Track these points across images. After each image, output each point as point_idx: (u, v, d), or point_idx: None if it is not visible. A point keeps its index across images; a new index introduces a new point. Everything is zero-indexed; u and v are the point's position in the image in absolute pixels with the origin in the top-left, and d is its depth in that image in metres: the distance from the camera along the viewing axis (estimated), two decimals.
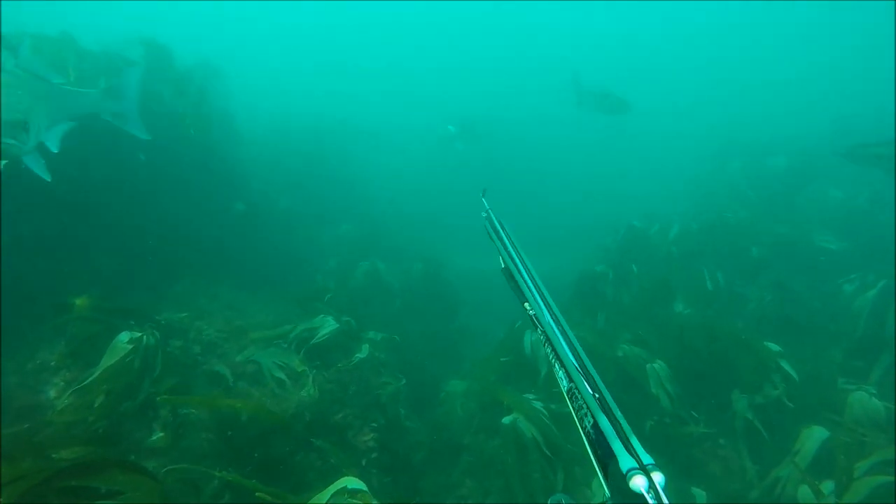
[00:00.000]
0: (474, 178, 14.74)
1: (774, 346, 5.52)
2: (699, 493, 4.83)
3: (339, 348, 6.10)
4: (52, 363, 3.97)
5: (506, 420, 5.03)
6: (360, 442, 5.34)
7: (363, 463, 5.15)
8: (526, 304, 1.37)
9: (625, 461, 1.02)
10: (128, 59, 7.83)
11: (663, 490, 0.98)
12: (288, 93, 16.91)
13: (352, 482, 3.78)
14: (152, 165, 7.33)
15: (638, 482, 0.98)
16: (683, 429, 5.25)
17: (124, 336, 4.04)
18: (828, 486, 4.02)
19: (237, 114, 11.06)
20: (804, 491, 4.09)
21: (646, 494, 0.97)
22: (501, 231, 1.56)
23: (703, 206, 10.18)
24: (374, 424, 5.44)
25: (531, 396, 5.42)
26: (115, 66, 7.54)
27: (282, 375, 5.47)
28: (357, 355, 6.03)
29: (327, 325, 6.33)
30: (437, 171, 14.73)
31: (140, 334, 4.13)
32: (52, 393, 3.74)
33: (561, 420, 5.12)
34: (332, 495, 3.54)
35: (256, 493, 3.38)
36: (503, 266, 1.47)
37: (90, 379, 3.65)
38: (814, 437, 4.49)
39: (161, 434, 3.78)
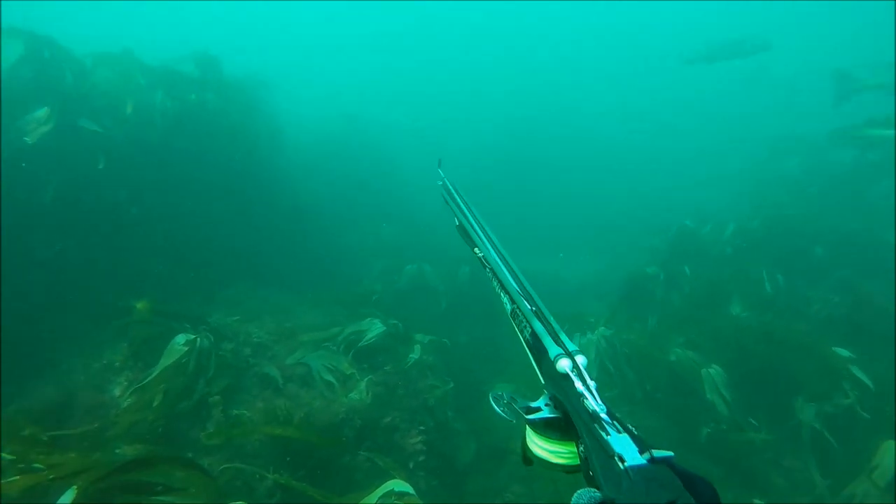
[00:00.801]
0: (518, 178, 14.64)
1: (844, 352, 5.19)
2: None
3: (386, 351, 6.14)
4: (117, 363, 4.16)
5: None
6: (407, 444, 5.33)
7: (410, 465, 5.14)
8: (476, 249, 1.56)
9: (553, 350, 1.12)
10: (182, 73, 8.17)
11: (585, 369, 1.07)
12: (331, 98, 17.25)
13: (399, 485, 3.79)
14: (204, 175, 7.62)
15: (563, 364, 1.08)
16: (743, 437, 4.99)
17: (180, 338, 4.19)
18: None
19: (283, 121, 11.38)
20: None
21: (570, 373, 1.06)
22: (456, 195, 1.74)
23: (759, 205, 9.71)
24: (421, 427, 5.43)
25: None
26: (172, 80, 7.91)
27: (331, 378, 5.54)
28: (410, 356, 6.07)
29: (375, 328, 6.39)
30: (480, 172, 14.69)
31: (194, 337, 4.26)
32: (117, 391, 3.91)
33: None
34: (380, 497, 3.55)
35: (307, 493, 3.43)
36: (457, 223, 1.66)
37: (148, 379, 3.80)
38: (893, 451, 4.18)
39: (215, 435, 3.88)
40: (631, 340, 5.74)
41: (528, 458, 1.14)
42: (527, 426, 1.13)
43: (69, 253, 5.55)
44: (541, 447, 1.10)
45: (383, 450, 5.08)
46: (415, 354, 6.11)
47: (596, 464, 0.90)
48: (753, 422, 5.14)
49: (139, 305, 4.75)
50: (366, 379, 5.64)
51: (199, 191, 7.72)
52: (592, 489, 0.88)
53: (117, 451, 2.94)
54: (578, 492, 0.88)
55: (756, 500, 4.67)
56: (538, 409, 1.13)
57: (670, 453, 0.87)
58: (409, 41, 35.03)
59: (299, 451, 4.59)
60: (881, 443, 4.33)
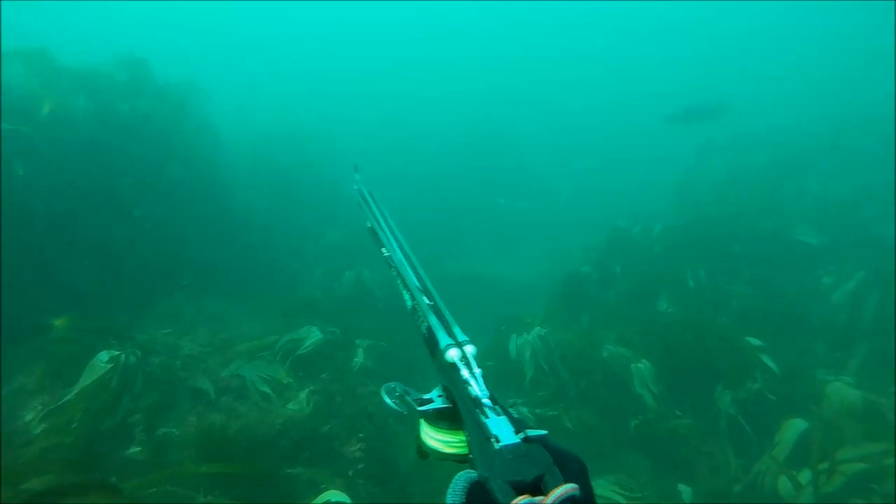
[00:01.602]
0: (458, 183, 14.82)
1: (755, 341, 5.58)
2: (685, 490, 4.87)
3: (325, 358, 6.11)
4: (30, 386, 3.95)
5: None
6: (347, 452, 5.32)
7: (350, 473, 5.14)
8: (383, 249, 1.61)
9: (443, 341, 1.14)
10: (108, 76, 7.82)
11: (474, 359, 1.10)
12: (270, 105, 16.87)
13: (335, 495, 3.79)
14: (133, 181, 7.32)
15: (452, 354, 1.11)
16: (668, 427, 5.28)
17: (103, 355, 4.03)
18: (804, 476, 4.07)
19: (219, 127, 11.07)
20: (784, 482, 4.14)
21: (458, 362, 1.10)
22: (370, 199, 1.81)
23: (685, 204, 10.28)
24: (361, 434, 5.43)
25: (517, 401, 5.45)
26: (96, 83, 7.55)
27: (267, 389, 5.46)
28: (350, 363, 6.04)
29: (312, 336, 6.33)
30: (419, 177, 14.79)
31: (119, 353, 4.11)
32: (29, 416, 3.71)
33: (545, 423, 5.15)
34: None
35: None
36: (369, 225, 1.73)
37: (64, 400, 3.63)
38: (793, 429, 4.55)
39: (141, 454, 3.76)
40: (565, 339, 5.95)
41: (423, 450, 1.16)
42: (421, 419, 1.16)
43: None
44: (433, 438, 1.13)
45: (322, 460, 5.05)
46: (358, 359, 6.11)
47: (474, 446, 0.96)
48: (678, 413, 5.43)
49: (58, 322, 4.53)
50: (305, 389, 5.60)
51: (128, 199, 7.41)
52: (470, 471, 0.92)
53: (25, 484, 2.78)
54: (457, 474, 0.93)
55: (680, 486, 4.95)
56: (430, 401, 1.16)
57: (544, 432, 0.93)
58: (351, 45, 34.72)
59: (236, 465, 4.50)
60: (784, 421, 4.69)
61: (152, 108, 8.23)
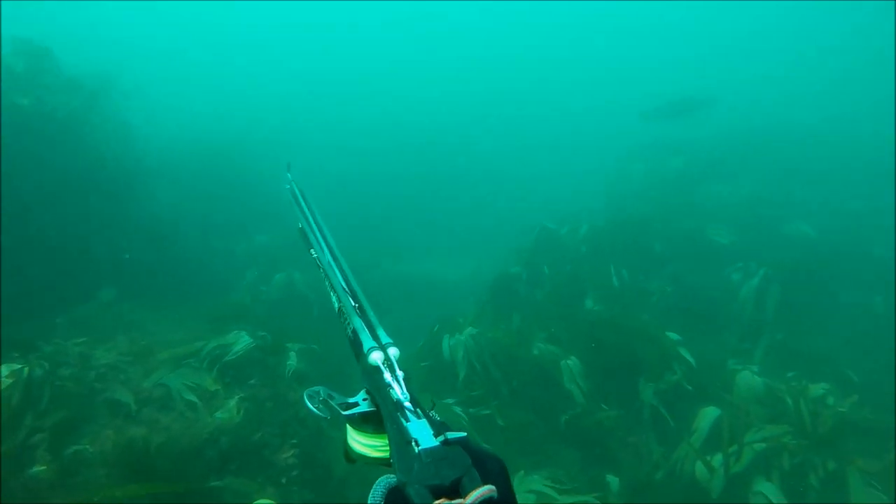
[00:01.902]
0: (389, 185, 14.80)
1: (674, 336, 5.94)
2: (613, 480, 5.10)
3: (254, 364, 5.91)
4: None
5: None
6: (279, 460, 5.18)
7: (283, 481, 5.01)
8: (311, 251, 1.58)
9: (367, 344, 1.14)
10: (5, 65, 7.18)
11: (397, 361, 1.10)
12: (200, 106, 16.15)
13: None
14: (37, 180, 6.77)
15: (375, 357, 1.10)
16: (596, 420, 5.51)
17: (3, 369, 3.71)
18: (717, 459, 4.39)
19: (139, 125, 10.43)
20: (699, 467, 4.45)
21: (381, 365, 1.09)
22: (301, 199, 1.76)
23: (609, 206, 10.78)
24: (293, 441, 5.30)
25: (450, 401, 5.50)
26: None
27: (193, 397, 5.22)
28: (280, 369, 5.87)
29: (241, 341, 6.11)
30: (350, 180, 14.64)
31: (21, 366, 3.79)
32: None
33: (479, 422, 5.24)
34: None
35: None
36: (300, 226, 1.68)
37: None
38: (707, 416, 4.89)
39: (48, 475, 3.48)
40: (497, 338, 6.08)
41: (350, 455, 1.15)
42: (346, 424, 1.14)
43: None
44: (359, 442, 1.11)
45: (253, 469, 4.89)
46: (291, 363, 5.95)
47: (394, 450, 0.94)
48: (605, 407, 5.67)
49: None
50: (235, 397, 5.40)
51: (35, 200, 6.85)
52: (390, 475, 0.92)
53: None
54: (377, 480, 0.93)
55: (609, 476, 5.19)
56: (356, 405, 1.14)
57: (463, 434, 0.92)
58: (289, 42, 33.76)
59: (159, 480, 4.27)
60: (700, 409, 5.04)
61: (57, 102, 7.62)
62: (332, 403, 1.17)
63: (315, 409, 1.17)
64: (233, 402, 5.25)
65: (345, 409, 1.13)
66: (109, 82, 9.77)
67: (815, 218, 9.17)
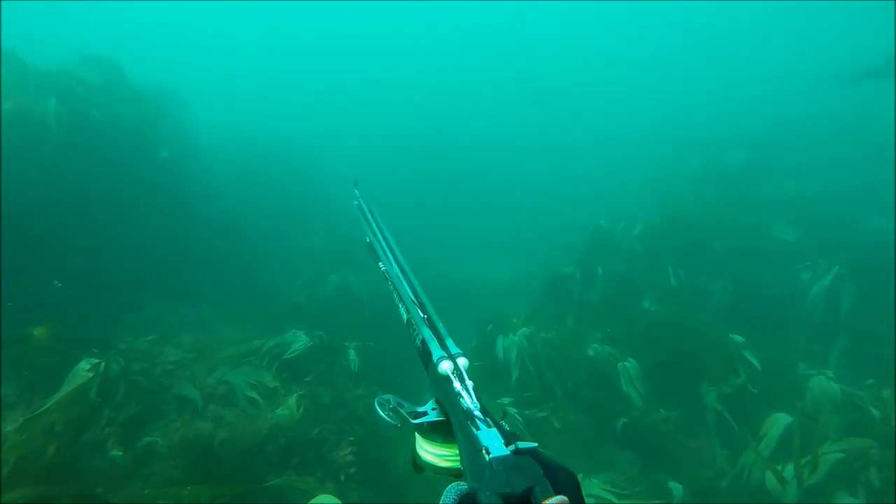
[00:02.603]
0: (441, 188, 14.87)
1: (738, 338, 5.68)
2: (676, 487, 4.93)
3: (311, 362, 6.05)
4: (11, 398, 3.83)
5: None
6: (337, 457, 5.28)
7: (342, 478, 5.10)
8: (380, 264, 1.61)
9: (436, 354, 1.14)
10: (80, 79, 7.64)
11: (466, 371, 1.10)
12: (251, 111, 16.71)
13: (327, 499, 3.73)
14: (108, 187, 7.16)
15: (444, 366, 1.11)
16: (655, 424, 5.34)
17: (84, 364, 3.93)
18: (788, 469, 4.15)
19: (200, 131, 10.91)
20: (769, 476, 4.23)
21: (450, 375, 1.09)
22: (369, 214, 1.81)
23: (665, 204, 10.42)
24: (351, 438, 5.39)
25: (506, 401, 5.46)
26: (68, 86, 7.38)
27: (254, 395, 5.39)
28: (336, 367, 5.99)
29: (299, 340, 6.27)
30: (402, 182, 14.79)
31: (99, 361, 4.01)
32: (8, 427, 3.60)
33: (533, 425, 5.18)
34: None
35: None
36: (368, 241, 1.72)
37: (42, 410, 3.53)
38: (777, 422, 4.64)
39: (123, 464, 3.67)
40: (551, 339, 5.98)
41: (419, 464, 1.16)
42: (416, 433, 1.15)
43: None
44: (428, 451, 1.13)
45: (313, 465, 5.00)
46: (352, 359, 6.07)
47: (465, 458, 0.95)
48: (662, 410, 5.49)
49: (37, 332, 4.40)
50: (294, 394, 5.54)
51: (107, 205, 7.26)
52: (461, 483, 0.93)
53: (3, 499, 2.68)
54: (448, 486, 0.95)
55: (671, 483, 5.02)
56: (425, 414, 1.16)
57: (534, 444, 0.92)
58: (339, 49, 34.53)
59: (222, 475, 4.43)
60: (768, 415, 4.79)
61: (126, 113, 8.06)
62: (402, 412, 1.18)
63: (386, 417, 1.20)
64: (292, 400, 5.39)
65: (414, 418, 1.15)
66: (170, 93, 10.28)
67: (891, 212, 8.57)
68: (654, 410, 5.44)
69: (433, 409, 1.16)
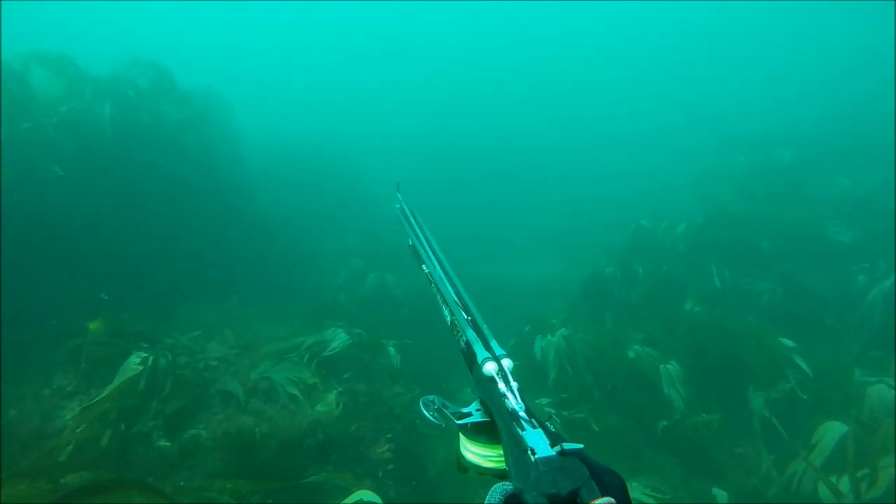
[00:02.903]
0: (476, 188, 14.85)
1: (788, 342, 5.46)
2: (720, 494, 4.77)
3: (350, 360, 6.13)
4: (68, 388, 4.03)
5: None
6: (375, 454, 5.33)
7: (380, 475, 5.14)
8: (423, 266, 1.61)
9: (481, 355, 1.15)
10: (132, 84, 7.96)
11: (511, 372, 1.10)
12: (288, 111, 17.10)
13: (367, 495, 3.79)
14: (157, 187, 7.44)
15: (489, 368, 1.11)
16: (698, 428, 5.19)
17: (135, 358, 4.09)
18: (844, 481, 3.96)
19: (241, 133, 11.21)
20: (822, 488, 4.04)
21: (495, 376, 1.10)
22: (412, 217, 1.82)
23: (708, 202, 10.11)
24: (388, 435, 5.43)
25: (543, 401, 5.40)
26: (121, 91, 7.69)
27: (294, 391, 5.50)
28: (375, 365, 6.06)
29: (338, 338, 6.37)
30: (436, 182, 14.83)
31: (147, 355, 4.16)
32: (68, 416, 3.79)
33: (571, 426, 5.10)
34: None
35: None
36: (410, 244, 1.72)
37: (93, 401, 3.69)
38: (831, 431, 4.43)
39: (170, 454, 3.80)
40: (590, 340, 5.89)
41: (463, 465, 1.17)
42: (460, 433, 1.15)
43: (15, 272, 5.34)
44: (472, 452, 1.13)
45: (351, 461, 5.07)
46: (394, 356, 6.13)
47: (510, 458, 0.95)
48: (704, 414, 5.33)
49: (92, 326, 4.61)
50: (334, 391, 5.62)
51: (156, 205, 7.55)
52: (506, 483, 0.93)
53: (63, 479, 2.83)
54: (494, 486, 0.94)
55: (715, 489, 4.86)
56: (469, 415, 1.16)
57: (580, 446, 0.92)
58: (372, 50, 34.94)
59: (264, 468, 4.54)
60: (820, 423, 4.58)
61: (175, 116, 8.36)
62: (447, 412, 1.19)
63: (430, 417, 1.20)
64: (331, 396, 5.47)
65: (458, 419, 1.15)
66: (215, 97, 10.60)
67: None
68: (696, 414, 5.28)
69: (477, 410, 1.16)
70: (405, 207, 1.89)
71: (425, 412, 1.21)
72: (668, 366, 5.62)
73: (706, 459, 5.13)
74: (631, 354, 5.86)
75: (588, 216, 12.82)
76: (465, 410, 1.17)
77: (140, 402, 3.93)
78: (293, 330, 6.64)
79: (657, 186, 13.45)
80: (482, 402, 1.16)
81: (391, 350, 5.94)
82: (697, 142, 14.55)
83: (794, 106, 15.32)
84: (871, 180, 9.49)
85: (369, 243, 10.37)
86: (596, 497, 0.79)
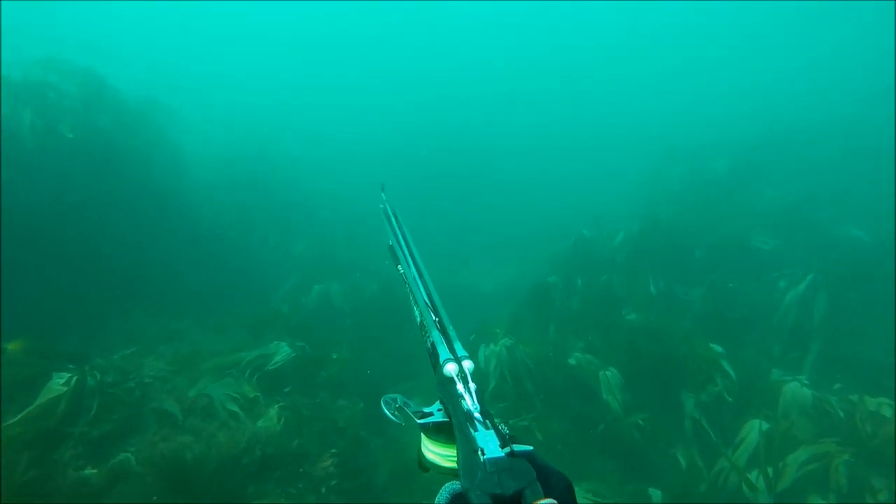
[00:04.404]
0: (428, 195, 14.88)
1: (717, 347, 5.76)
2: (655, 493, 4.97)
3: (293, 374, 6.03)
4: None
5: None
6: (318, 469, 5.27)
7: (323, 490, 5.08)
8: (399, 267, 1.64)
9: (443, 355, 1.17)
10: (57, 89, 7.57)
11: (471, 375, 1.13)
12: (234, 116, 16.61)
13: None
14: (91, 199, 7.11)
15: (449, 368, 1.14)
16: (635, 432, 5.39)
17: (59, 379, 3.90)
18: (763, 474, 4.21)
19: (183, 139, 10.86)
20: (747, 482, 4.28)
21: (455, 377, 1.12)
22: (393, 218, 1.85)
23: (648, 211, 10.51)
24: (333, 450, 5.38)
25: (492, 411, 5.47)
26: (43, 97, 7.30)
27: (235, 407, 5.36)
28: (318, 379, 5.98)
29: (282, 351, 6.26)
30: (394, 188, 14.76)
31: (72, 376, 3.98)
32: None
33: (515, 433, 5.18)
34: None
35: None
36: (390, 244, 1.75)
37: (9, 423, 3.49)
38: (754, 429, 4.71)
39: (97, 480, 3.64)
40: (533, 348, 6.02)
41: (423, 464, 1.18)
42: (421, 433, 1.17)
43: None
44: (433, 451, 1.15)
45: (293, 477, 4.98)
46: (325, 374, 6.07)
47: (461, 458, 0.97)
48: (640, 422, 5.53)
49: (10, 346, 4.37)
50: (276, 406, 5.52)
51: (86, 218, 7.20)
52: (456, 482, 0.96)
53: None
54: (444, 486, 0.97)
55: (651, 489, 5.06)
56: (430, 414, 1.18)
57: (530, 448, 0.95)
58: (318, 53, 34.48)
59: (201, 490, 4.40)
60: (745, 422, 4.86)
61: (107, 124, 7.98)
62: (408, 411, 1.21)
63: (391, 415, 1.23)
64: (273, 411, 5.37)
65: (420, 418, 1.18)
66: (155, 102, 10.23)
67: (867, 221, 8.75)
68: (634, 419, 5.49)
69: (439, 410, 1.18)
70: (388, 208, 1.91)
71: (386, 410, 1.23)
72: (607, 372, 5.81)
73: (642, 461, 5.33)
74: (572, 362, 6.02)
75: (536, 224, 13.06)
76: (426, 410, 1.19)
77: (61, 426, 3.74)
78: (235, 344, 6.47)
79: (604, 194, 13.87)
80: (443, 403, 1.17)
81: (334, 365, 5.87)
82: (646, 150, 15.08)
83: (739, 118, 16.07)
84: (794, 191, 10.15)
85: (316, 252, 10.22)
86: (539, 497, 0.81)
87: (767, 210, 9.66)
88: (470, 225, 13.68)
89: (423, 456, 1.17)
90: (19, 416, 3.61)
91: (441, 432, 1.13)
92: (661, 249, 8.20)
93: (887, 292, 6.78)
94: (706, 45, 31.65)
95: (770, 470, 4.18)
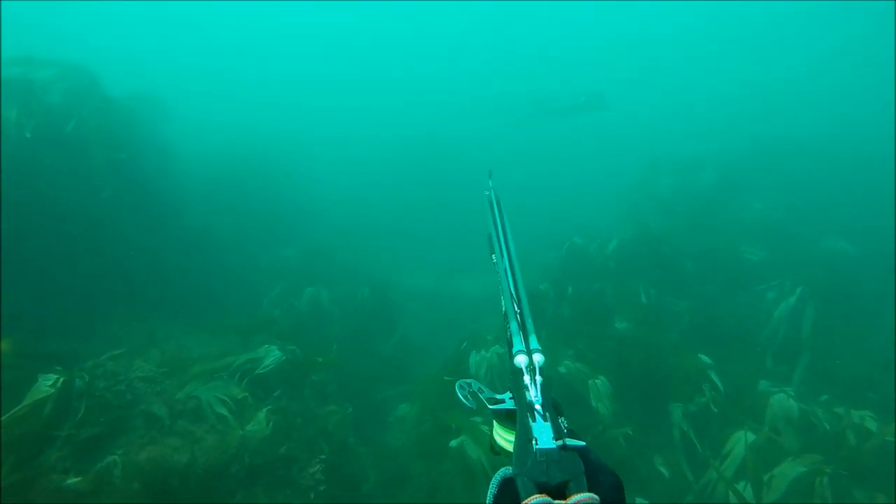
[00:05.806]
0: (417, 199, 14.90)
1: (705, 359, 5.81)
2: (641, 503, 5.00)
3: (283, 378, 6.00)
4: None
5: (453, 443, 5.09)
6: (307, 475, 5.24)
7: (311, 496, 5.05)
8: (493, 256, 1.70)
9: (516, 347, 1.22)
10: (45, 86, 7.49)
11: (540, 368, 1.18)
12: (227, 117, 16.55)
13: None
14: (79, 198, 7.04)
15: (520, 360, 1.19)
16: (623, 441, 5.42)
17: (46, 380, 3.85)
18: (750, 486, 4.25)
19: (176, 140, 10.78)
20: (732, 494, 4.32)
21: (524, 368, 1.17)
22: (496, 207, 1.89)
23: (639, 222, 10.61)
24: (322, 456, 5.35)
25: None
26: (30, 94, 7.21)
27: (224, 411, 5.32)
28: (307, 383, 5.95)
29: (271, 355, 6.22)
30: (378, 194, 14.77)
31: (59, 377, 3.93)
32: None
33: None
34: None
35: None
36: (489, 232, 1.81)
37: None
38: (741, 441, 4.75)
39: (82, 485, 3.59)
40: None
41: (495, 448, 1.24)
42: (493, 419, 1.22)
43: None
44: (503, 437, 1.21)
45: (282, 483, 4.95)
46: (315, 379, 6.04)
47: (516, 445, 1.01)
48: (628, 430, 5.56)
49: None
50: (264, 409, 5.48)
51: (73, 217, 7.11)
52: (509, 467, 0.99)
53: None
54: (499, 470, 1.01)
55: (638, 499, 5.08)
56: (502, 401, 1.24)
57: (583, 443, 1.00)
58: (311, 57, 34.44)
59: (188, 494, 4.36)
60: (732, 433, 4.90)
61: (97, 123, 7.87)
62: (481, 397, 1.27)
63: (463, 399, 1.28)
64: (262, 415, 5.33)
65: (492, 404, 1.24)
66: (146, 101, 10.15)
67: (854, 234, 8.88)
68: (622, 428, 5.52)
69: (510, 399, 1.22)
70: (493, 196, 1.93)
71: (460, 394, 1.28)
72: (596, 381, 5.83)
73: (630, 471, 5.36)
74: (562, 370, 6.05)
75: (527, 232, 13.07)
76: (498, 397, 1.24)
77: (47, 428, 3.69)
78: (225, 347, 6.42)
79: (594, 204, 13.94)
80: (512, 391, 1.21)
81: (322, 370, 5.85)
82: (628, 160, 15.21)
83: (726, 129, 16.27)
84: (781, 203, 10.29)
85: (307, 256, 10.18)
86: (583, 491, 0.84)
87: (755, 221, 9.79)
88: (462, 231, 13.69)
89: (494, 441, 1.24)
90: (4, 417, 3.56)
91: (511, 419, 1.18)
92: (652, 259, 8.27)
93: (873, 305, 6.90)
94: (694, 52, 32.01)
95: (758, 481, 4.22)
